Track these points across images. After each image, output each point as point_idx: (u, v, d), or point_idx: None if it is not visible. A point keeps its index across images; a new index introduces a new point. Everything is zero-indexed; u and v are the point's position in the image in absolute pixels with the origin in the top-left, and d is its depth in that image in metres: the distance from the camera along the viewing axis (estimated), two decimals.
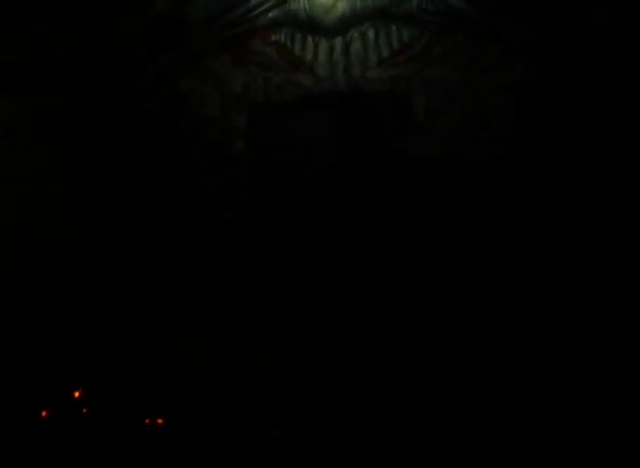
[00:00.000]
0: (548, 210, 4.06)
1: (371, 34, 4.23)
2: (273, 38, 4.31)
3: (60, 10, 4.18)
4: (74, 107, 4.26)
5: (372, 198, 4.33)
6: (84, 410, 3.22)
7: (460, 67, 4.14)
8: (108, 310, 3.95)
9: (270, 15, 4.30)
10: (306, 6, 4.27)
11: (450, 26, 4.13)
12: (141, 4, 4.34)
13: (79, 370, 3.42)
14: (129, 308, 4.00)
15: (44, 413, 3.12)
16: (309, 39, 4.30)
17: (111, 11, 4.31)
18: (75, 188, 4.25)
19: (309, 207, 4.32)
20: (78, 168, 4.27)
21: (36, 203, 4.13)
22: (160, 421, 3.23)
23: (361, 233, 4.29)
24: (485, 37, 4.09)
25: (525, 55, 4.02)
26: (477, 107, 4.13)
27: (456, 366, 3.62)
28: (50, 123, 4.18)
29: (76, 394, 3.25)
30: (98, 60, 4.33)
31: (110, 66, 4.33)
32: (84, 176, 4.29)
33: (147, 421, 3.22)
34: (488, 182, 4.09)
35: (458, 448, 3.12)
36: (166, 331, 3.85)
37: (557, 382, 3.56)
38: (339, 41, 4.27)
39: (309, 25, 4.28)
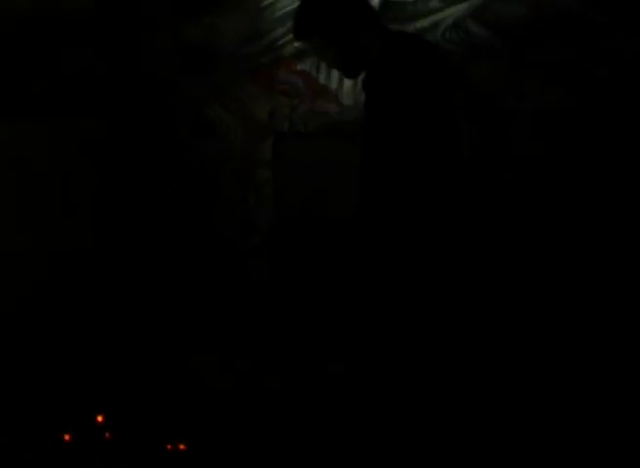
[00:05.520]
0: (581, 241, 4.03)
1: None
2: (299, 67, 4.36)
3: (91, 39, 4.28)
4: (105, 131, 4.34)
5: (397, 226, 4.32)
6: (106, 435, 3.22)
7: (485, 96, 4.15)
8: (132, 333, 3.98)
9: (296, 44, 4.36)
10: None
11: (473, 55, 4.16)
12: (173, 31, 4.43)
13: (103, 394, 3.43)
14: (153, 332, 4.03)
15: (67, 437, 3.12)
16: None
17: (143, 37, 4.41)
18: (104, 208, 4.31)
19: (334, 235, 4.32)
20: (107, 188, 4.34)
21: (67, 220, 4.19)
22: (182, 447, 3.22)
23: (386, 261, 4.27)
24: (510, 65, 4.10)
25: (554, 81, 4.03)
26: (500, 134, 4.14)
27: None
28: (81, 145, 4.25)
29: (99, 418, 3.26)
30: (129, 86, 4.41)
31: (141, 92, 4.41)
32: (113, 197, 4.35)
33: (169, 447, 3.21)
34: (520, 212, 4.07)
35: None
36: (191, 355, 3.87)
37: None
38: None
39: None
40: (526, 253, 4.02)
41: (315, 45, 2.78)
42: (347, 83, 4.31)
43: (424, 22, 4.20)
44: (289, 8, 4.43)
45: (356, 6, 2.70)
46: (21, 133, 4.08)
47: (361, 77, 2.85)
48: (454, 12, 4.16)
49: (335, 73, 4.32)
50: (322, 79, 4.33)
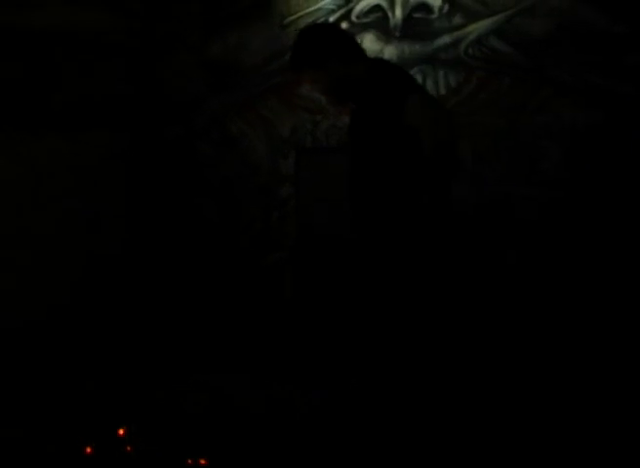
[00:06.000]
0: (599, 256, 4.00)
1: (418, 79, 4.27)
2: None
3: (116, 52, 4.32)
4: (130, 146, 4.37)
5: (419, 243, 4.30)
6: (128, 448, 3.20)
7: (507, 111, 4.15)
8: (154, 346, 3.99)
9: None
10: None
11: (496, 71, 4.16)
12: (197, 49, 4.47)
13: (125, 407, 3.42)
14: (174, 345, 4.03)
15: (88, 449, 3.11)
16: None
17: (168, 53, 4.45)
18: (129, 224, 4.33)
19: (357, 252, 4.31)
20: (131, 204, 4.36)
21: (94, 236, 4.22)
22: (203, 462, 3.20)
23: (408, 279, 4.25)
24: (532, 81, 4.10)
25: (575, 97, 4.02)
26: (525, 151, 4.13)
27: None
28: (106, 160, 4.28)
29: (120, 431, 3.25)
30: (154, 103, 4.45)
31: (166, 108, 4.45)
32: (137, 213, 4.38)
33: (190, 461, 3.19)
34: (538, 227, 4.06)
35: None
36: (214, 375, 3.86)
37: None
38: None
39: None
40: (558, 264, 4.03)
41: (308, 77, 3.07)
42: None
43: (447, 39, 4.22)
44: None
45: (342, 41, 3.04)
46: (49, 146, 4.12)
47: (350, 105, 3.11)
48: (477, 28, 4.18)
49: None
50: None
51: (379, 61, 3.24)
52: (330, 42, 3.01)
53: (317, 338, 4.27)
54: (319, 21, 4.43)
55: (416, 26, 4.28)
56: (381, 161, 2.96)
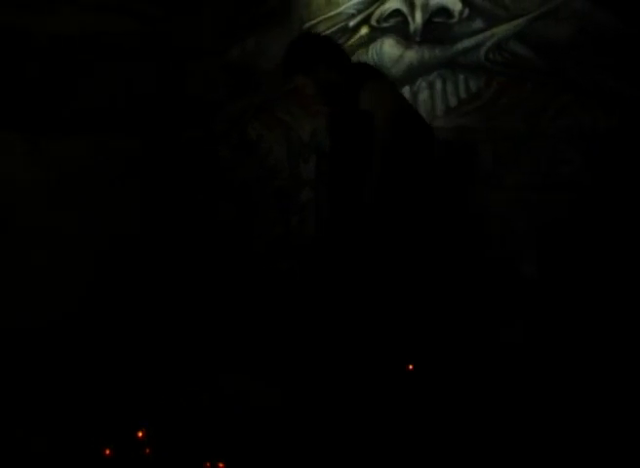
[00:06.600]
0: (619, 263, 3.98)
1: (438, 84, 4.28)
2: None
3: (136, 57, 4.34)
4: (148, 149, 4.38)
5: (439, 249, 4.30)
6: (146, 451, 3.20)
7: (528, 116, 4.14)
8: (174, 348, 3.99)
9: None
10: (375, 57, 4.36)
11: (517, 76, 4.15)
12: (217, 52, 4.49)
13: (145, 409, 3.43)
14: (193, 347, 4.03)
15: (107, 451, 3.11)
16: None
17: (188, 58, 4.47)
18: (146, 226, 4.35)
19: (377, 258, 4.31)
20: (150, 206, 4.37)
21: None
22: (221, 465, 3.19)
23: (426, 286, 4.25)
24: (553, 85, 4.09)
25: (596, 101, 4.01)
26: (545, 155, 4.11)
27: None
28: (125, 163, 4.30)
29: (139, 434, 3.25)
30: (173, 106, 4.46)
31: (186, 111, 4.47)
32: (155, 215, 4.39)
33: (208, 465, 3.19)
34: (557, 231, 4.04)
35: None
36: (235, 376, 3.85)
37: None
38: (406, 90, 4.33)
39: None
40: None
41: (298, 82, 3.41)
42: None
43: (467, 43, 4.22)
44: (331, 30, 4.48)
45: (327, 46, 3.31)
46: (68, 149, 4.14)
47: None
48: (497, 32, 4.17)
49: None
50: None
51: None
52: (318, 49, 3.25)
53: (334, 343, 4.26)
54: (339, 26, 4.45)
55: (436, 31, 4.28)
56: None
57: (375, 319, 3.62)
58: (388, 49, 4.30)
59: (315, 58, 3.24)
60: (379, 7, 4.37)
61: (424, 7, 4.27)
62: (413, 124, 3.22)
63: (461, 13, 4.23)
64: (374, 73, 3.31)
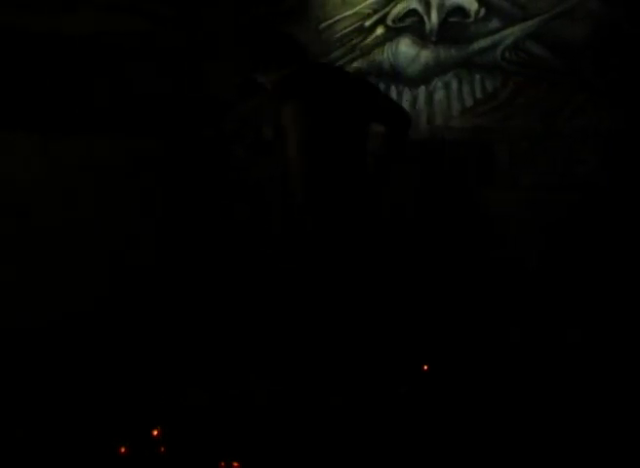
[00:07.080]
0: (634, 262, 3.96)
1: (454, 84, 4.27)
2: None
3: (150, 57, 4.35)
4: (164, 149, 4.39)
5: (453, 248, 4.29)
6: (161, 449, 3.21)
7: (544, 116, 4.12)
8: (189, 349, 4.00)
9: (355, 64, 4.39)
10: (390, 56, 4.36)
11: (533, 76, 4.13)
12: (232, 52, 4.49)
13: (160, 408, 3.43)
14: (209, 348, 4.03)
15: (123, 449, 3.12)
16: (393, 88, 4.38)
17: (203, 58, 4.47)
18: (160, 226, 4.36)
19: (389, 259, 4.30)
20: (164, 205, 4.38)
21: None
22: (236, 465, 3.19)
23: (440, 286, 4.24)
24: (569, 85, 4.07)
25: (612, 101, 3.98)
26: (561, 155, 4.10)
27: None
28: (140, 163, 4.32)
29: (154, 432, 3.25)
30: (188, 106, 4.47)
31: (201, 111, 4.47)
32: (170, 214, 4.40)
33: (223, 464, 3.18)
34: (573, 231, 4.02)
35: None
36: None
37: None
38: (422, 90, 4.33)
39: (393, 75, 4.36)
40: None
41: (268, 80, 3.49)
42: (406, 103, 4.32)
43: (484, 43, 4.21)
44: (347, 29, 4.48)
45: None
46: (83, 148, 4.15)
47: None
48: (513, 32, 4.15)
49: (393, 93, 4.36)
50: None
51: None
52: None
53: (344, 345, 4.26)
54: (355, 26, 4.45)
55: (451, 30, 4.27)
56: None
57: (379, 318, 3.61)
58: (404, 48, 4.30)
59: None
60: (394, 7, 4.37)
61: (440, 7, 4.27)
62: None
63: (478, 12, 4.22)
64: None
